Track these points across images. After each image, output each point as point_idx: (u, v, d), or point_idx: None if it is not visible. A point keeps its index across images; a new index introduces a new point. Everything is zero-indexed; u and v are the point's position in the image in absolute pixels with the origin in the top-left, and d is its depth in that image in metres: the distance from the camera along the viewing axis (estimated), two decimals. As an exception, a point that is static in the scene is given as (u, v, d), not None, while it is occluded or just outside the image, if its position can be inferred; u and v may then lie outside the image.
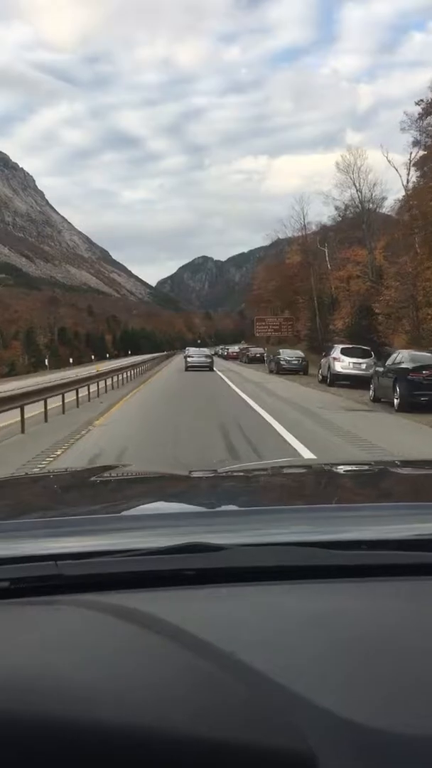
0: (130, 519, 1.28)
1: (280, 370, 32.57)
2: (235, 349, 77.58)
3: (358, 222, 53.49)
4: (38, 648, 0.64)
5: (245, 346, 66.25)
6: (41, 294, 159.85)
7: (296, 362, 33.19)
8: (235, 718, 0.56)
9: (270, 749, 0.54)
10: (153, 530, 1.10)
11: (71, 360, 67.29)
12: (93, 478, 1.99)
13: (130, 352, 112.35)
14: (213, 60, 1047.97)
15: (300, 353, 35.23)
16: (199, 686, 0.59)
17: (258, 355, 53.19)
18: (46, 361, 51.91)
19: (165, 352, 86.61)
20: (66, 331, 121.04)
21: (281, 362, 33.34)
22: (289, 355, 34.19)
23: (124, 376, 25.21)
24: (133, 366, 30.94)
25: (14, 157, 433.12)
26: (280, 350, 36.55)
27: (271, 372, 34.52)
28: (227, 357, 72.51)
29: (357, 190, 50.92)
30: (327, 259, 56.40)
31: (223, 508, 1.49)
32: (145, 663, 0.63)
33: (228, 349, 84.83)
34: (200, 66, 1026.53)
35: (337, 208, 57.25)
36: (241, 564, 0.92)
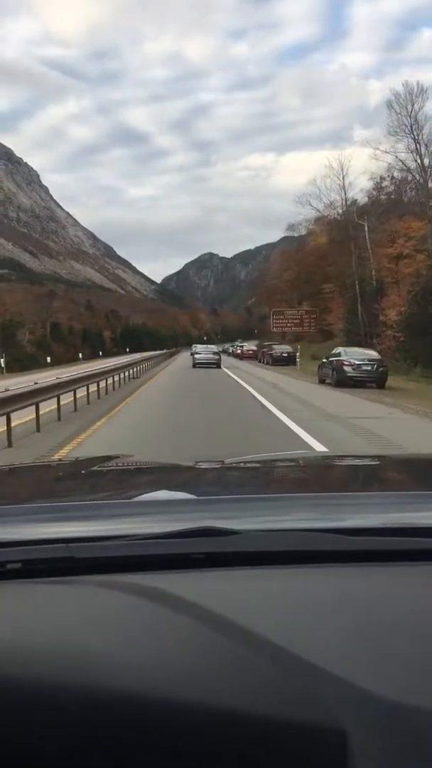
0: (140, 505, 1.27)
1: (341, 381, 20.46)
2: (251, 346, 61.95)
3: (408, 187, 42.62)
4: (53, 625, 0.64)
5: (267, 342, 52.76)
6: (38, 288, 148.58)
7: (369, 368, 20.90)
8: (260, 693, 0.55)
9: (298, 724, 0.53)
10: (163, 515, 1.11)
11: (48, 359, 56.19)
12: (101, 467, 1.96)
13: (128, 350, 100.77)
14: (220, 56, 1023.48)
15: (374, 354, 22.61)
16: (220, 663, 0.59)
17: (285, 355, 40.77)
18: (2, 361, 40.01)
19: (165, 350, 72.93)
20: (60, 327, 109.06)
21: (345, 369, 21.03)
22: (357, 357, 21.63)
23: (83, 394, 13.58)
24: (113, 372, 19.24)
25: (19, 152, 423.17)
26: (341, 349, 23.58)
27: (323, 382, 22.52)
28: (241, 356, 56.97)
29: (414, 140, 39.35)
30: (366, 236, 44.68)
31: (232, 495, 1.47)
32: (163, 639, 0.62)
33: (243, 346, 66.96)
34: (208, 62, 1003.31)
35: (372, 176, 46.03)
36: (251, 548, 0.92)
